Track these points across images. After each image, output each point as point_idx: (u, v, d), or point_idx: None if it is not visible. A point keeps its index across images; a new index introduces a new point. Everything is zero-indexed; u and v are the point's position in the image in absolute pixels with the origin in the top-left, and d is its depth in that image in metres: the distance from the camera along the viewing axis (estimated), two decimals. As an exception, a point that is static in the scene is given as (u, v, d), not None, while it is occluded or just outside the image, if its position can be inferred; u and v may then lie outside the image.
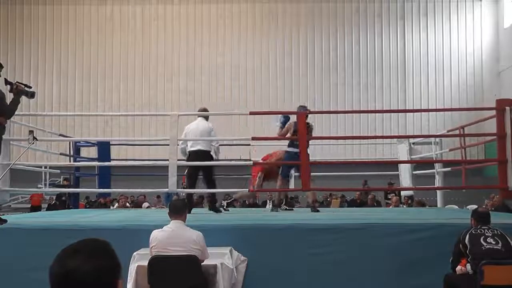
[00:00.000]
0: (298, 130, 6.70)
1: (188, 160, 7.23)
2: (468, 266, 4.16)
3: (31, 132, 6.34)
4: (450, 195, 11.40)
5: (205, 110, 7.56)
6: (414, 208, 10.58)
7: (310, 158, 6.64)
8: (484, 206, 9.27)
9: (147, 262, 4.21)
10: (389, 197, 12.55)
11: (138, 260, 4.51)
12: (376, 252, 5.03)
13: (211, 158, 7.14)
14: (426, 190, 11.75)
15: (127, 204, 12.55)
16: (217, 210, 7.52)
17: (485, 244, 4.14)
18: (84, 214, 7.89)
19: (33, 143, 6.32)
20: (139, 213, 8.37)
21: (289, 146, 7.48)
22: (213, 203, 7.65)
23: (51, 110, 19.71)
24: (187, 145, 7.20)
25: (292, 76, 20.35)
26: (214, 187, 7.34)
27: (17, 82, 5.25)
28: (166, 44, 20.44)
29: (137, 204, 12.74)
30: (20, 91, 5.19)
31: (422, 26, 20.44)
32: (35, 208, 14.87)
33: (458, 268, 4.25)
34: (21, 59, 20.60)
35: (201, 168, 7.16)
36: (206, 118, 7.40)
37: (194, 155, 7.05)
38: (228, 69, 20.33)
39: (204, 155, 7.02)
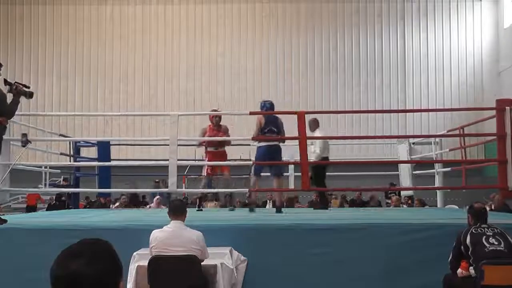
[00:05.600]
0: (298, 130, 6.72)
1: None
2: (472, 270, 4.12)
3: (24, 135, 6.26)
4: (450, 195, 11.39)
5: None
6: (414, 208, 10.58)
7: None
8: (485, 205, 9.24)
9: (147, 262, 4.21)
10: (390, 196, 12.57)
11: (138, 260, 4.51)
12: (376, 252, 5.03)
13: None
14: (426, 190, 11.74)
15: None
16: None
17: (487, 245, 4.10)
18: (84, 214, 7.89)
19: (25, 146, 6.25)
20: (139, 213, 8.37)
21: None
22: None
23: (51, 110, 19.68)
24: None
25: (292, 76, 20.33)
26: None
27: (16, 82, 5.24)
28: (166, 44, 20.42)
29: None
30: (20, 91, 5.18)
31: (422, 26, 20.43)
32: (31, 208, 14.82)
33: (459, 271, 4.21)
34: (21, 59, 20.58)
35: None
36: None
37: None
38: (228, 69, 20.31)
39: None
